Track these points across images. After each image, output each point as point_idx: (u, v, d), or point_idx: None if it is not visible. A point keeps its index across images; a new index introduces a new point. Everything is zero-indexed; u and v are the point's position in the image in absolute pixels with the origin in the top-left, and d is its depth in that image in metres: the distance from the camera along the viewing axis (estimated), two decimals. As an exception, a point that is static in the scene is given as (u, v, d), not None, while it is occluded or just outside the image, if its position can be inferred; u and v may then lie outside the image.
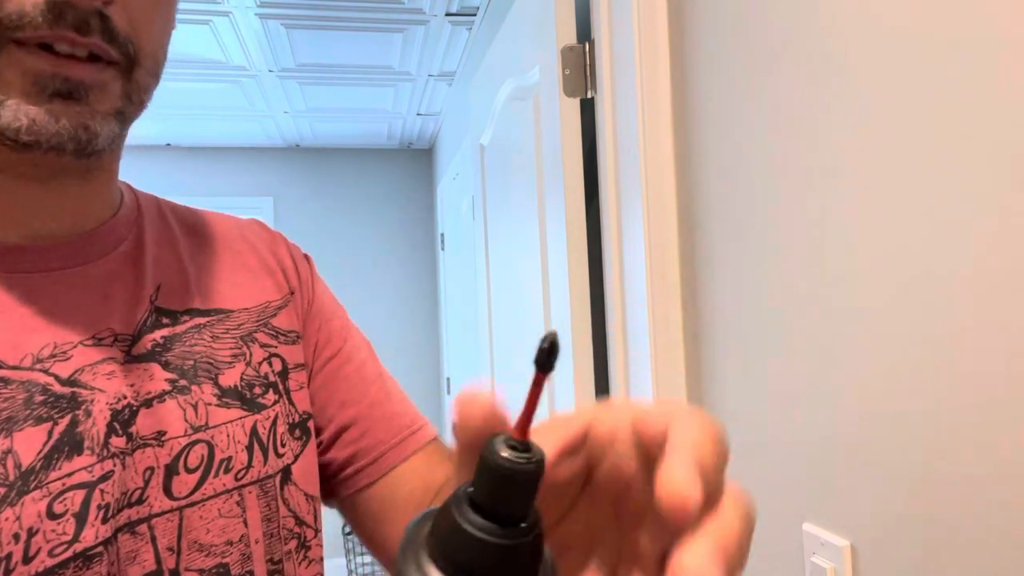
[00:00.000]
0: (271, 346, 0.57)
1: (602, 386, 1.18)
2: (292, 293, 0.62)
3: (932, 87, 0.57)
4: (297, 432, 0.57)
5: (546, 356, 0.23)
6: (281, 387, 0.57)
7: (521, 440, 0.24)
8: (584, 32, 1.23)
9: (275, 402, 0.55)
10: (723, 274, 0.90)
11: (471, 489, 0.24)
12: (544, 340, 0.23)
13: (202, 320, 0.54)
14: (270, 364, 0.57)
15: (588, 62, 1.21)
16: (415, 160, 4.35)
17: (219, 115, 3.53)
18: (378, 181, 4.30)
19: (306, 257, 0.68)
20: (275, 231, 0.67)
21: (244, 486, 0.51)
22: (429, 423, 0.66)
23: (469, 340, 2.99)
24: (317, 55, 2.79)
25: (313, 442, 0.59)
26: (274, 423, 0.55)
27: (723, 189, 0.89)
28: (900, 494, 0.62)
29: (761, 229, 0.81)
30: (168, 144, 4.05)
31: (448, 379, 3.80)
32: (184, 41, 2.62)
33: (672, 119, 1.02)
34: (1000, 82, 0.51)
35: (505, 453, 0.23)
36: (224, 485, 0.50)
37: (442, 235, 3.87)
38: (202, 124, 3.68)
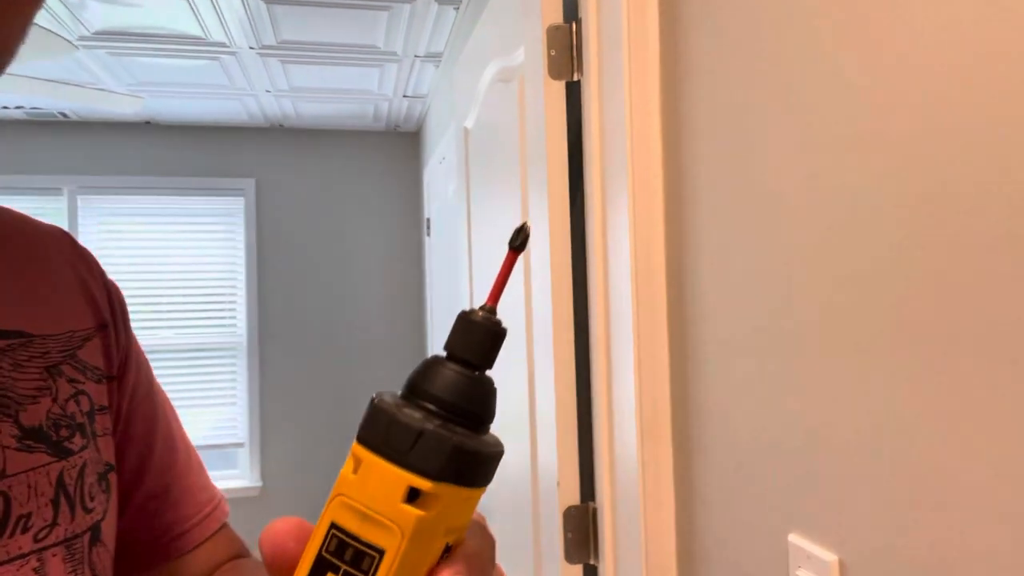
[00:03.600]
0: (78, 381, 0.49)
1: (583, 377, 1.14)
2: (104, 327, 0.53)
3: (926, 67, 0.52)
4: (104, 484, 0.49)
5: (518, 237, 0.30)
6: (89, 430, 0.48)
7: (491, 306, 0.30)
8: (571, 11, 1.18)
9: (83, 447, 0.47)
10: (711, 267, 0.85)
11: (444, 353, 0.30)
12: (520, 226, 0.30)
13: (1, 344, 0.44)
14: (77, 402, 0.48)
15: (575, 43, 1.16)
16: (402, 143, 4.28)
17: (199, 93, 3.45)
18: (364, 164, 4.24)
19: (118, 290, 0.58)
20: (86, 249, 0.56)
21: (46, 548, 0.42)
22: (224, 498, 0.62)
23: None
24: (299, 32, 2.72)
25: (116, 499, 0.51)
26: (82, 472, 0.46)
27: (713, 177, 0.84)
28: (895, 505, 0.58)
29: (752, 220, 0.77)
30: (148, 122, 3.96)
31: (432, 366, 3.74)
32: (162, 16, 2.53)
33: (661, 103, 0.97)
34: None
35: (481, 313, 0.30)
36: (20, 548, 0.41)
37: (428, 220, 3.81)
38: (182, 102, 3.60)
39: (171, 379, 3.98)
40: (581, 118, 1.14)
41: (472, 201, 1.78)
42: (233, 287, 4.10)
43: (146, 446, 0.56)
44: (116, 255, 3.95)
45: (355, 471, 0.27)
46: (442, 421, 0.28)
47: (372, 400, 0.29)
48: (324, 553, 0.27)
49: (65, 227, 3.90)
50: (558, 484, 1.13)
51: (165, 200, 4.01)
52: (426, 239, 3.94)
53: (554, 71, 1.17)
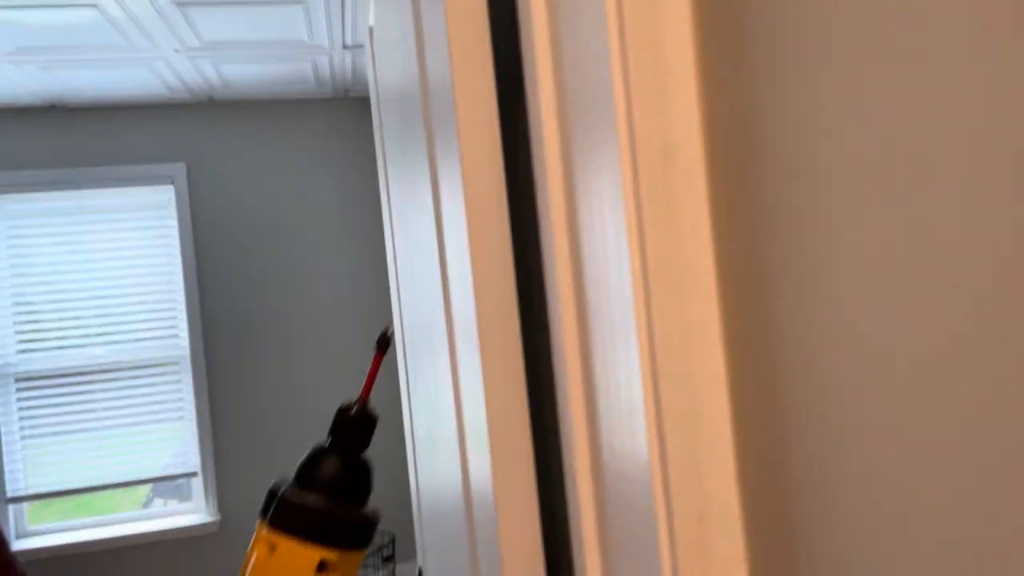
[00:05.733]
0: None
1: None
2: None
3: None
4: None
5: (382, 340, 0.75)
6: None
7: (365, 399, 0.71)
8: None
9: None
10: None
11: (326, 444, 0.65)
12: (384, 330, 0.76)
13: None
14: None
15: None
16: (355, 111, 3.67)
17: (97, 60, 2.84)
18: (312, 138, 3.63)
19: None
20: None
21: None
22: None
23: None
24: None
25: None
26: None
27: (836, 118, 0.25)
28: None
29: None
30: (53, 105, 3.36)
31: (404, 369, 3.17)
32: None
33: None
34: None
35: (356, 408, 0.69)
36: None
37: (388, 197, 3.21)
38: (85, 74, 2.99)
39: (106, 403, 3.41)
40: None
41: (387, 147, 1.19)
42: (171, 290, 3.52)
43: None
44: (29, 264, 3.37)
45: (271, 554, 0.41)
46: (338, 502, 0.48)
47: (276, 491, 0.46)
48: None
49: (-34, 235, 3.34)
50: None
51: (82, 195, 3.42)
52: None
53: None
